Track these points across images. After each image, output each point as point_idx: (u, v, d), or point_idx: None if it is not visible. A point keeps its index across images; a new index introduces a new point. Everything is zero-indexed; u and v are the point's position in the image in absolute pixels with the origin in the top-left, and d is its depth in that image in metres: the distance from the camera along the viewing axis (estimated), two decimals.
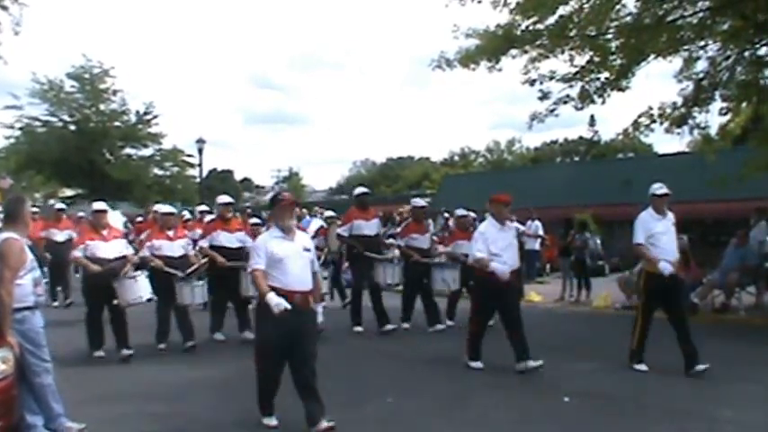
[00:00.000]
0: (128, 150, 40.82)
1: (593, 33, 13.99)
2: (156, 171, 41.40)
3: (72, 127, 38.77)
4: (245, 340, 11.11)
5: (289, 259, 6.65)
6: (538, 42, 14.09)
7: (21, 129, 38.68)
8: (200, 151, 35.07)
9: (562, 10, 13.74)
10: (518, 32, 13.96)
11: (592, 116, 50.10)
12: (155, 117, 40.36)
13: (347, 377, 9.01)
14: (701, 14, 13.76)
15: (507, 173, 50.75)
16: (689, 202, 19.48)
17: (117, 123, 39.51)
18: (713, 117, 15.90)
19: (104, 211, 10.73)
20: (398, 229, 13.88)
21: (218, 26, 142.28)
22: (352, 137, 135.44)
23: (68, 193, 42.54)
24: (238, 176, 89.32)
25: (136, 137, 40.00)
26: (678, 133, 15.20)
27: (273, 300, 6.41)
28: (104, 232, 10.49)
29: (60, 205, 20.05)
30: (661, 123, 14.90)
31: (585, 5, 13.63)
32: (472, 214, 13.78)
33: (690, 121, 14.95)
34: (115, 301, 10.26)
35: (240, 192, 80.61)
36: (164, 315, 11.11)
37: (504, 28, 13.98)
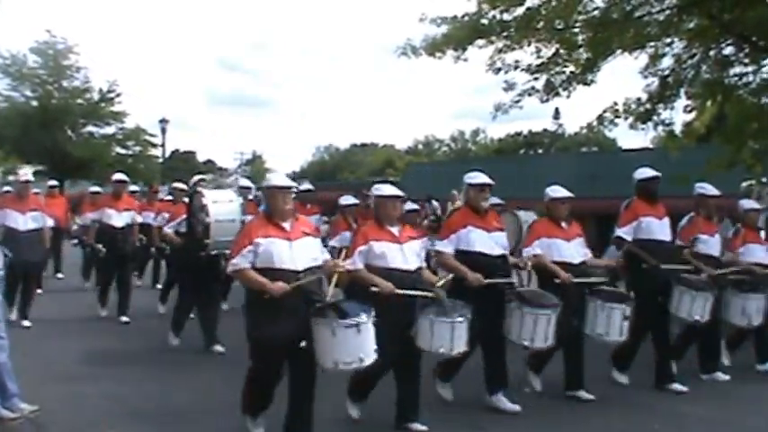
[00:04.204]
0: (90, 128, 40.61)
1: (560, 26, 13.89)
2: (119, 150, 41.14)
3: (34, 103, 38.42)
4: (496, 405, 7.19)
5: None
6: (505, 33, 13.97)
7: None
8: (164, 131, 34.91)
9: (530, 2, 13.65)
10: (485, 22, 13.85)
11: (556, 109, 50.67)
12: (118, 95, 40.15)
13: None
14: (667, 12, 13.75)
15: (472, 163, 50.71)
16: None
17: (79, 101, 39.26)
18: (678, 114, 15.96)
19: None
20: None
21: (185, 6, 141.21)
22: (316, 122, 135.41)
23: (28, 169, 42.06)
24: (201, 158, 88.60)
25: (98, 115, 39.76)
26: (642, 129, 15.27)
27: None
28: (286, 225, 5.97)
29: (53, 182, 19.01)
30: (625, 119, 14.96)
31: None
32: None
33: (654, 118, 14.99)
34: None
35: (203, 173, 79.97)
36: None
37: (472, 17, 13.87)
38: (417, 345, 6.35)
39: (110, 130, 40.83)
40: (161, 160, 39.82)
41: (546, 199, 8.00)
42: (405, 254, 6.49)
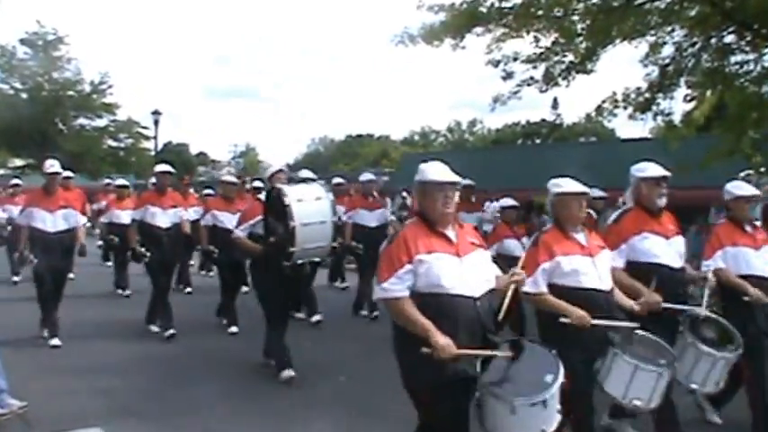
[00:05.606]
0: (81, 121, 40.50)
1: (559, 14, 13.76)
2: (110, 143, 41.01)
3: (24, 95, 38.24)
4: None
5: None
6: (503, 21, 13.83)
7: None
8: (156, 123, 34.57)
9: None
10: (483, 10, 13.68)
11: (555, 99, 50.39)
12: (109, 87, 40.07)
13: (301, 358, 8.72)
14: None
15: (468, 153, 50.64)
16: None
17: (70, 92, 39.06)
18: (677, 104, 15.84)
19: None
20: None
21: (186, 2, 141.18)
22: (311, 113, 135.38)
23: (18, 162, 41.91)
24: (194, 150, 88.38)
25: (90, 107, 39.63)
26: (642, 119, 15.16)
27: None
28: (451, 235, 4.48)
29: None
30: (625, 108, 14.88)
31: None
32: None
33: (654, 107, 14.88)
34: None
35: (195, 166, 79.81)
36: None
37: (470, 4, 13.70)
38: (605, 389, 4.88)
39: (101, 122, 40.73)
40: (153, 153, 39.64)
41: (727, 197, 6.39)
42: (598, 269, 5.06)
